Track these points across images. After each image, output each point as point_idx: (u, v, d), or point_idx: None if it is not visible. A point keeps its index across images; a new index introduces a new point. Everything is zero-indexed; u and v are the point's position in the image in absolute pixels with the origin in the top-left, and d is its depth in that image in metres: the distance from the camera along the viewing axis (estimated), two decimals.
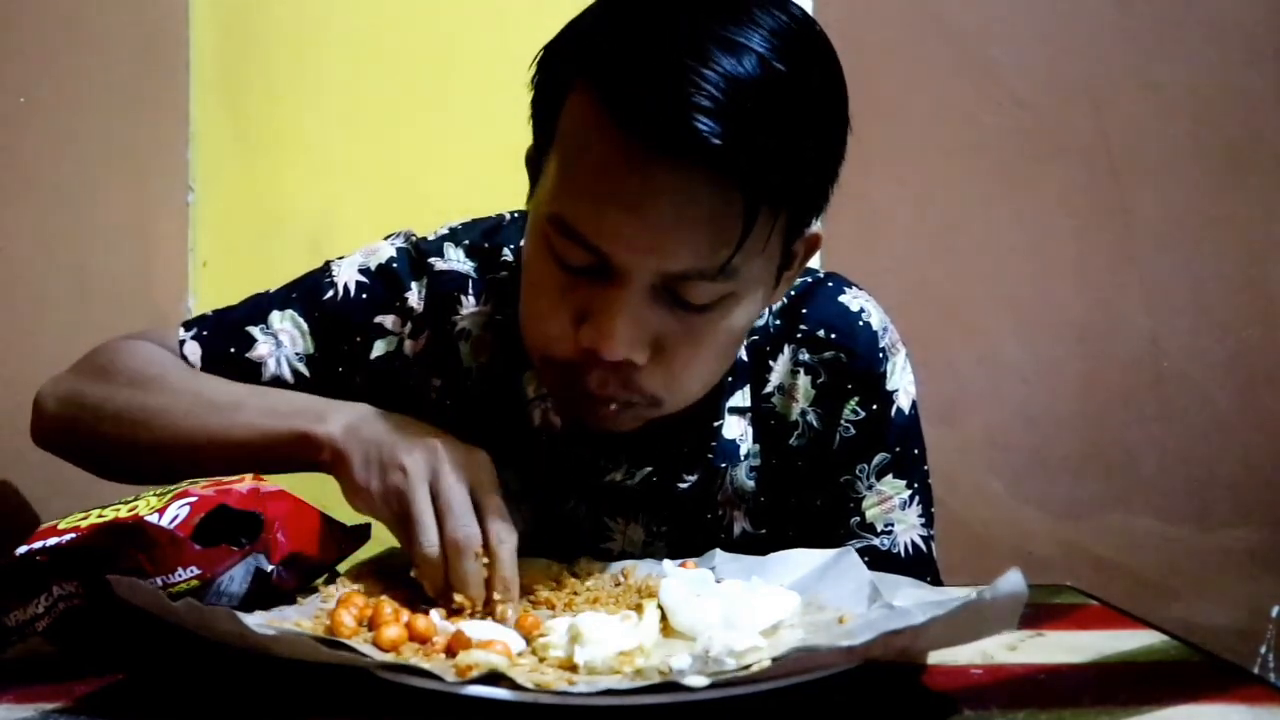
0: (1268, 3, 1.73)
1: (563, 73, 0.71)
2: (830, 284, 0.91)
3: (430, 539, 0.67)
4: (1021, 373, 1.73)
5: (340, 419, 0.73)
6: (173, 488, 0.66)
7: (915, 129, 1.69)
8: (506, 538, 0.68)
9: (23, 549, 0.61)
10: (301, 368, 0.87)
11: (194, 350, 0.87)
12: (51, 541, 0.61)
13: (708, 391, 0.80)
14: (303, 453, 0.74)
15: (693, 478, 0.87)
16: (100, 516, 0.63)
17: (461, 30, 1.65)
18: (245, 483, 0.67)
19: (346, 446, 0.71)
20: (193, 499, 0.63)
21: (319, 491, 0.75)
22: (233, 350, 0.86)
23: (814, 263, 0.90)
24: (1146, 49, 1.73)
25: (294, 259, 1.58)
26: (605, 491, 0.88)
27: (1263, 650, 1.71)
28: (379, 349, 0.87)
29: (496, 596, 0.66)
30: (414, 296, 0.88)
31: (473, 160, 1.62)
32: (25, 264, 1.17)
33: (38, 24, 1.20)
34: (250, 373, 0.86)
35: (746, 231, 0.67)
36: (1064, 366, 1.73)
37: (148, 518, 0.60)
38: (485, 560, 0.67)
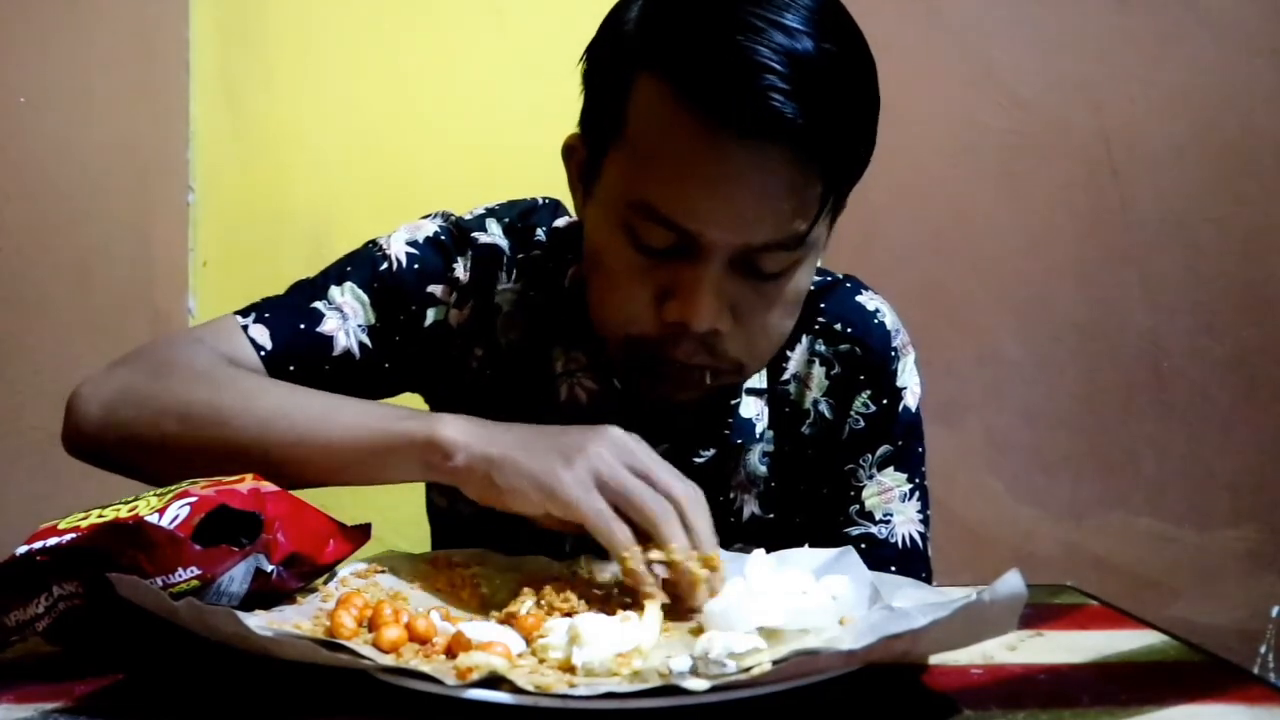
0: (1268, 3, 1.73)
1: (623, 66, 0.74)
2: (849, 284, 0.94)
3: (659, 503, 0.67)
4: (1021, 373, 1.73)
5: (456, 422, 0.72)
6: (173, 488, 0.65)
7: (915, 129, 1.70)
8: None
9: (23, 549, 0.61)
10: (365, 339, 0.87)
11: (261, 333, 0.84)
12: (51, 541, 0.61)
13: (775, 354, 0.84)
14: (418, 456, 0.71)
15: (709, 453, 0.89)
16: (100, 516, 0.63)
17: (461, 30, 1.65)
18: (245, 483, 0.67)
19: (490, 448, 0.69)
20: (193, 499, 0.63)
21: (318, 491, 0.74)
22: (303, 326, 0.85)
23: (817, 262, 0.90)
24: (1146, 49, 1.73)
25: (294, 258, 1.59)
26: None
27: (1263, 650, 1.71)
28: (430, 318, 0.89)
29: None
30: (460, 268, 0.89)
31: (473, 159, 1.62)
32: (25, 264, 1.17)
33: (38, 24, 1.20)
34: (322, 347, 0.85)
35: (824, 202, 0.73)
36: (1064, 366, 1.73)
37: (148, 518, 0.60)
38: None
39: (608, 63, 0.76)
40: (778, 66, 0.67)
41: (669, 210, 0.72)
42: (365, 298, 0.87)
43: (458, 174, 1.62)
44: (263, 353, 0.83)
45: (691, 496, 0.69)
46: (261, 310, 0.86)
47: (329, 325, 0.85)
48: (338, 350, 0.85)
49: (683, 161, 0.71)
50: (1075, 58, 1.72)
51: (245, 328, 0.84)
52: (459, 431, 0.71)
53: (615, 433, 0.71)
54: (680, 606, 0.66)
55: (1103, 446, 1.74)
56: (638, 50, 0.73)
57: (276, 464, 0.72)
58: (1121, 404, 1.74)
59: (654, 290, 0.75)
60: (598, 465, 0.68)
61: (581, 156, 0.80)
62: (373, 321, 0.87)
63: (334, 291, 0.87)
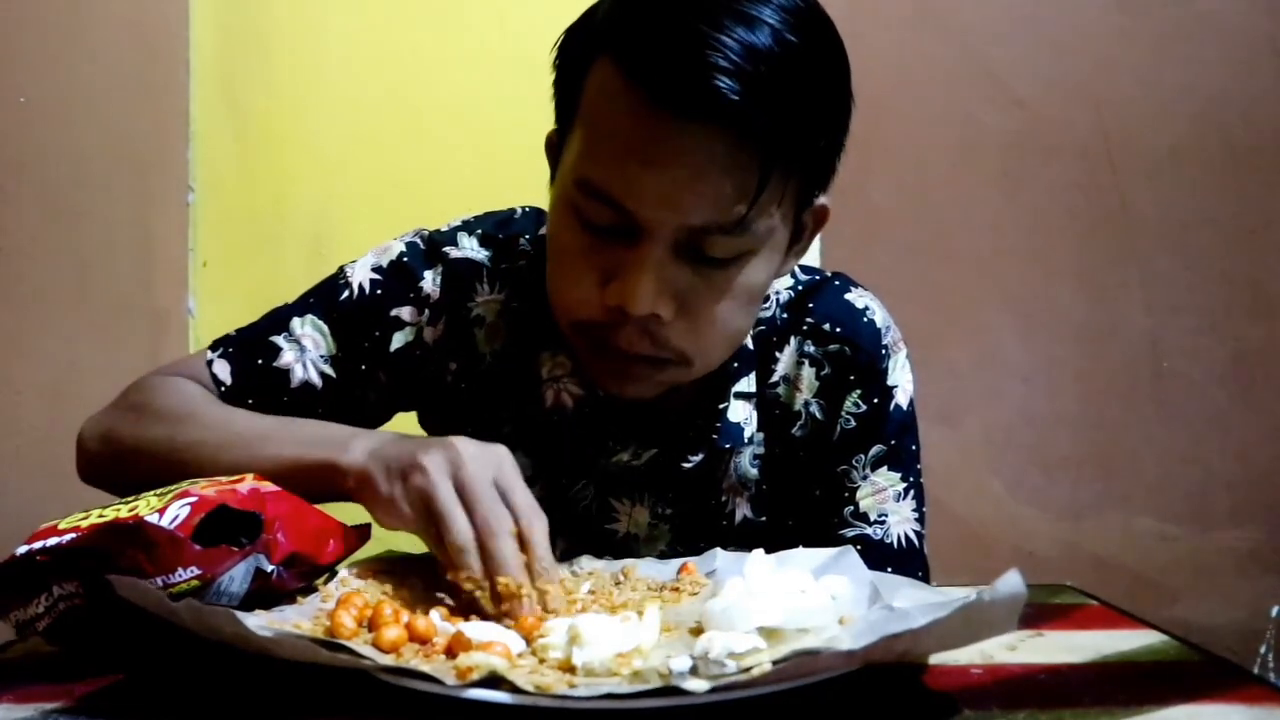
0: (1268, 3, 1.73)
1: (585, 51, 0.75)
2: (837, 282, 0.94)
3: (461, 527, 0.66)
4: (1021, 373, 1.73)
5: (363, 444, 0.73)
6: (173, 488, 0.65)
7: (915, 129, 1.70)
8: (537, 523, 0.68)
9: (23, 549, 0.61)
10: (327, 369, 0.88)
11: (223, 368, 0.88)
12: (51, 541, 0.61)
13: (731, 353, 0.83)
14: (329, 482, 0.73)
15: (697, 458, 0.89)
16: (100, 516, 0.63)
17: (461, 30, 1.65)
18: (245, 483, 0.67)
19: (369, 467, 0.71)
20: (193, 499, 0.63)
21: None
22: (260, 362, 0.88)
23: (815, 262, 0.90)
24: (1146, 49, 1.73)
25: (294, 259, 1.60)
26: (613, 472, 0.90)
27: (1263, 650, 1.71)
28: (398, 341, 0.89)
29: (540, 584, 0.66)
30: (429, 284, 0.90)
31: (472, 159, 1.63)
32: (25, 264, 1.17)
33: (38, 24, 1.20)
34: (279, 381, 0.87)
35: (762, 185, 0.71)
36: (1064, 366, 1.73)
37: (148, 518, 0.60)
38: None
39: (574, 48, 0.77)
40: (727, 50, 0.67)
41: (608, 186, 0.72)
42: (325, 328, 0.89)
43: (458, 174, 1.62)
44: (222, 388, 0.88)
45: (537, 527, 0.68)
46: (228, 344, 0.90)
47: (285, 359, 0.88)
48: (295, 382, 0.88)
49: (622, 138, 0.71)
50: (1075, 58, 1.73)
51: (210, 363, 0.89)
52: (356, 452, 0.72)
53: (499, 449, 0.70)
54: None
55: (1103, 446, 1.74)
56: (601, 35, 0.74)
57: None
58: (1121, 404, 1.74)
59: (599, 273, 0.75)
60: (458, 461, 0.68)
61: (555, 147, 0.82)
62: (334, 351, 0.89)
63: (295, 323, 0.89)
